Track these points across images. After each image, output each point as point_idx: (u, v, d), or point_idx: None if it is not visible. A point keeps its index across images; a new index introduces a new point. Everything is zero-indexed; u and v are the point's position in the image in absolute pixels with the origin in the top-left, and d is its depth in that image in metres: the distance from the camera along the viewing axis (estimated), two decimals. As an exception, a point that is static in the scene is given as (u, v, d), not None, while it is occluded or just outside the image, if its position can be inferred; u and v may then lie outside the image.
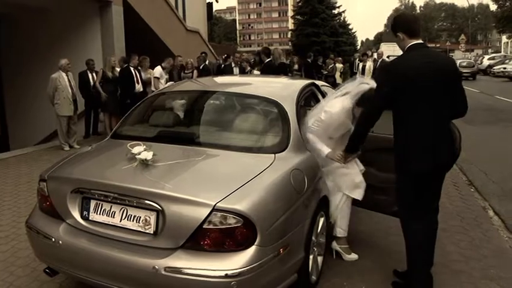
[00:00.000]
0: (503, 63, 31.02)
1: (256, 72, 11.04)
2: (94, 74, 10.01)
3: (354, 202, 3.74)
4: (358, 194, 3.63)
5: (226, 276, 2.40)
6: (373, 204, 3.89)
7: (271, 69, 8.36)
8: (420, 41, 3.08)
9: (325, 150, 3.48)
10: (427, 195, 3.11)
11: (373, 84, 3.42)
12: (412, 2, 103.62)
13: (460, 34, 55.37)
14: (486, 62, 36.60)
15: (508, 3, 46.74)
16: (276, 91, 3.85)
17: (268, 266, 2.55)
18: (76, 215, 2.81)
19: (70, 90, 8.69)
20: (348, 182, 3.61)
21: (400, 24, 3.13)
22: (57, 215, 2.89)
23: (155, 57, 10.49)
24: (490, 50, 58.19)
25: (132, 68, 9.42)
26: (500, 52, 50.40)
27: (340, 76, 17.55)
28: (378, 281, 3.47)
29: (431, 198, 3.18)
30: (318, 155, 3.48)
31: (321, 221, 3.41)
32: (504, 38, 56.22)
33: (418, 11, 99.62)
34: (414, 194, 3.07)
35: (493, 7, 53.60)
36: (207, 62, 12.18)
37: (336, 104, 3.53)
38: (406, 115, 3.01)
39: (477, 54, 56.20)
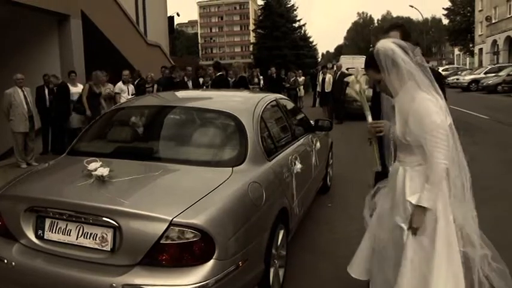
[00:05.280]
0: (456, 75, 32.35)
1: None
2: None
3: None
4: None
5: (185, 291, 2.39)
6: None
7: (222, 82, 8.43)
8: None
9: None
10: None
11: None
12: (370, 16, 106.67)
13: (416, 46, 57.27)
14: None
15: (458, 18, 49.16)
16: (234, 105, 3.89)
17: (228, 280, 2.56)
18: (30, 234, 2.74)
19: (25, 106, 8.46)
20: None
21: None
22: (10, 235, 2.81)
23: (116, 71, 10.38)
24: (444, 62, 60.47)
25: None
26: (454, 64, 52.56)
27: (303, 88, 17.83)
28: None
29: None
30: None
31: (281, 233, 3.43)
32: (456, 50, 58.64)
33: (376, 24, 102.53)
34: None
35: (445, 21, 56.10)
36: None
37: None
38: None
39: (432, 65, 57.93)
